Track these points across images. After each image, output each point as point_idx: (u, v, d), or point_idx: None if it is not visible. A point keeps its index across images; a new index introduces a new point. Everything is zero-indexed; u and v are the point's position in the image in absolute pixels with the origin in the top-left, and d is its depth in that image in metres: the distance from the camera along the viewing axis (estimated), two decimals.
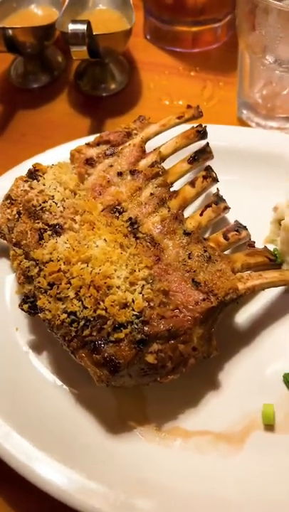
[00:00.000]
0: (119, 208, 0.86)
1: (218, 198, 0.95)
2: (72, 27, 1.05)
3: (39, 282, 0.79)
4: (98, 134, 0.95)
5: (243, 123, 1.25)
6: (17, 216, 0.87)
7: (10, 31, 1.21)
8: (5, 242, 0.95)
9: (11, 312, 0.89)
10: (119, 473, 0.72)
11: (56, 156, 1.03)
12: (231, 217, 0.98)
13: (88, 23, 1.07)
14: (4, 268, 0.94)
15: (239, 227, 0.92)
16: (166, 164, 0.95)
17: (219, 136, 1.03)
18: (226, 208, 0.94)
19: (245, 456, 0.74)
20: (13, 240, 0.86)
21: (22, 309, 0.82)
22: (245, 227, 0.92)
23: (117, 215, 0.86)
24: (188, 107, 1.02)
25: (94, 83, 1.35)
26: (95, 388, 0.78)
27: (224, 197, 0.94)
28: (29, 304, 0.81)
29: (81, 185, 0.91)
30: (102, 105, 1.33)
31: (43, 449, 0.74)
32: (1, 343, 0.86)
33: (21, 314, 0.89)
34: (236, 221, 0.93)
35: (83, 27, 1.05)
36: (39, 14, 1.35)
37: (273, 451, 0.75)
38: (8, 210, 0.89)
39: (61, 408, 0.79)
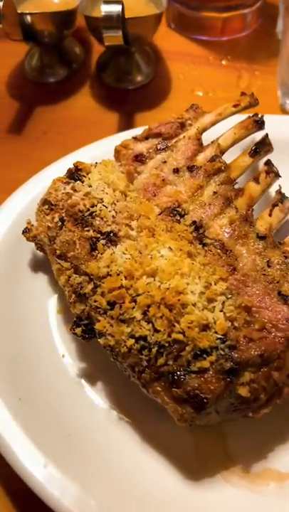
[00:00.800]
0: (179, 210, 0.74)
1: (282, 196, 0.83)
2: (105, 8, 0.92)
3: (96, 301, 0.66)
4: (148, 127, 0.83)
5: (286, 113, 1.14)
6: (60, 224, 0.74)
7: (28, 17, 1.09)
8: (42, 254, 0.82)
9: (55, 335, 0.76)
10: None
11: (94, 153, 0.91)
12: None
13: (122, 4, 0.95)
14: (44, 285, 0.81)
15: None
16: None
17: (274, 126, 0.91)
18: None
19: None
20: (57, 252, 0.73)
21: (74, 333, 0.69)
22: None
23: (178, 218, 0.73)
24: (242, 94, 0.90)
25: (118, 75, 1.23)
26: (165, 424, 0.66)
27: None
28: (83, 328, 0.68)
29: (131, 186, 0.78)
30: (128, 99, 1.20)
31: (106, 504, 0.61)
32: (45, 372, 0.73)
33: (68, 338, 0.76)
34: None
35: (118, 8, 0.93)
36: (55, 2, 1.23)
37: None
38: (48, 217, 0.77)
39: (126, 449, 0.66)
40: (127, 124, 1.15)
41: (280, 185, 0.84)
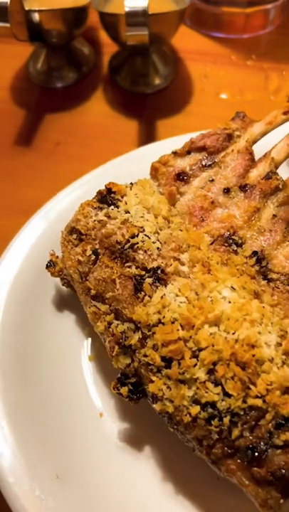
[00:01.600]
0: (235, 238, 0.63)
1: None
2: (130, 3, 0.80)
3: (147, 356, 0.54)
4: (189, 140, 0.71)
5: None
6: (94, 257, 0.63)
7: (36, 15, 0.96)
8: (69, 290, 0.71)
9: (90, 388, 0.64)
10: None
11: (118, 169, 0.79)
12: None
13: None
14: (71, 326, 0.69)
15: None
16: None
17: None
18: None
19: None
20: (92, 292, 0.61)
21: (119, 394, 0.57)
22: None
23: (235, 248, 0.62)
24: None
25: (134, 78, 1.11)
26: (234, 501, 0.54)
27: None
28: (130, 387, 0.56)
29: (172, 210, 0.67)
30: (147, 104, 1.09)
31: None
32: (82, 437, 0.61)
33: (105, 392, 0.64)
34: None
35: (144, 3, 0.81)
36: None
37: None
38: (78, 249, 0.65)
39: None
40: (148, 132, 1.03)
41: None
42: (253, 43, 1.22)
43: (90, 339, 0.69)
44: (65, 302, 0.71)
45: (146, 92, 1.10)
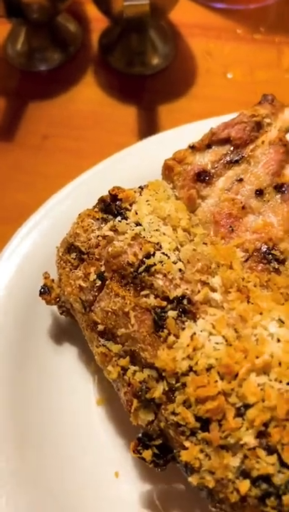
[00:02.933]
0: (275, 253, 0.50)
1: None
2: None
3: (176, 414, 0.42)
4: (209, 130, 0.58)
5: None
6: (99, 283, 0.50)
7: None
8: (68, 319, 0.58)
9: (104, 442, 0.53)
10: None
11: (121, 169, 0.66)
12: None
13: None
14: (73, 362, 0.57)
15: None
16: None
17: None
18: None
19: None
20: (99, 327, 0.49)
21: (141, 458, 0.45)
22: None
23: (276, 266, 0.50)
24: None
25: (129, 58, 0.98)
26: None
27: None
28: (155, 450, 0.45)
29: (193, 218, 0.54)
30: (146, 87, 0.95)
31: None
32: (94, 501, 0.50)
33: (120, 445, 0.53)
34: None
35: None
36: None
37: None
38: (79, 272, 0.52)
39: None
40: (149, 119, 0.91)
41: None
42: (260, 14, 1.08)
43: (96, 377, 0.57)
44: (64, 332, 0.59)
45: (145, 73, 0.97)
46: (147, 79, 0.97)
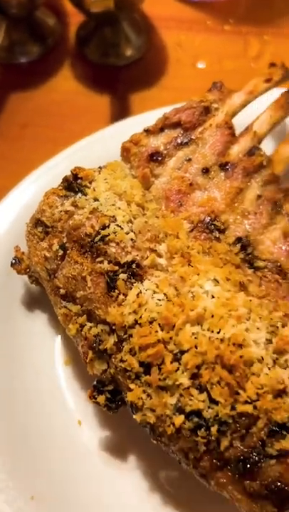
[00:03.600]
0: (217, 223, 0.57)
1: None
2: None
3: (124, 361, 0.49)
4: (162, 115, 0.64)
5: None
6: (61, 252, 0.56)
7: None
8: (39, 287, 0.65)
9: (67, 396, 0.59)
10: None
11: (87, 152, 0.72)
12: None
13: None
14: (44, 327, 0.63)
15: None
16: None
17: None
18: None
19: None
20: (61, 291, 0.55)
21: (96, 403, 0.52)
22: None
23: (217, 235, 0.56)
24: (271, 65, 0.72)
25: (104, 50, 1.03)
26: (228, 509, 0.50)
27: None
28: (107, 395, 0.51)
29: (147, 194, 0.60)
30: (119, 77, 1.01)
31: None
32: (59, 447, 0.56)
33: (83, 398, 0.59)
34: None
35: None
36: None
37: None
38: (44, 244, 0.58)
39: None
40: (122, 108, 0.96)
41: None
42: (230, 7, 1.13)
43: (64, 341, 0.63)
44: (35, 301, 0.65)
45: (118, 64, 1.02)
46: (121, 69, 1.03)
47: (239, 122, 0.65)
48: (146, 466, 0.55)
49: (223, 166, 0.60)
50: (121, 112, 0.95)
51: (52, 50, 1.07)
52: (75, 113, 0.96)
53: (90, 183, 0.59)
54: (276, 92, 0.69)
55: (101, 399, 0.51)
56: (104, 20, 0.99)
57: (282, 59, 0.98)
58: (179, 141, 0.62)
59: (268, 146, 0.67)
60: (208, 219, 0.57)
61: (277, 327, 0.49)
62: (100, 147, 0.71)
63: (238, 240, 0.55)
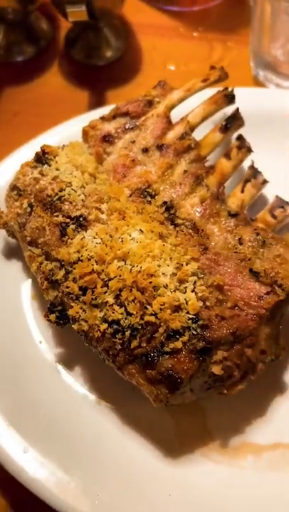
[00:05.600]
0: (149, 190, 0.73)
1: (255, 171, 0.82)
2: None
3: (68, 287, 0.66)
4: (114, 106, 0.81)
5: (259, 84, 1.11)
6: (29, 209, 0.73)
7: None
8: (15, 240, 0.81)
9: (30, 322, 0.76)
10: (191, 506, 0.61)
11: (62, 135, 0.89)
12: (268, 192, 0.87)
13: None
14: (17, 271, 0.80)
15: (283, 202, 0.80)
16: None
17: (245, 99, 0.89)
18: (265, 182, 0.82)
19: None
20: (28, 238, 0.72)
21: (49, 320, 0.69)
22: (288, 202, 0.81)
23: (149, 199, 0.73)
24: (212, 68, 0.88)
25: (87, 51, 1.19)
26: (144, 406, 0.66)
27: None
28: (57, 314, 0.68)
29: (100, 168, 0.77)
30: (99, 75, 1.17)
31: (90, 487, 0.62)
32: (22, 359, 0.73)
33: (44, 324, 0.76)
34: (277, 197, 0.81)
35: None
36: None
37: None
38: (17, 203, 0.75)
39: (106, 432, 0.67)
40: (98, 101, 1.12)
41: (252, 161, 0.84)
42: (201, 16, 1.29)
43: (32, 281, 0.80)
44: (12, 251, 0.82)
45: (99, 64, 1.18)
46: (102, 68, 1.19)
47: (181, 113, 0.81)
48: (88, 371, 0.72)
49: (159, 147, 0.76)
50: (98, 105, 1.12)
51: (44, 50, 1.23)
52: (60, 104, 1.13)
53: (54, 157, 0.76)
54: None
55: (52, 317, 0.68)
56: (87, 26, 1.16)
57: (240, 63, 1.17)
58: (126, 126, 0.78)
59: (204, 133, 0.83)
60: (143, 187, 0.73)
61: (182, 265, 0.65)
62: (69, 131, 0.87)
63: (164, 203, 0.72)
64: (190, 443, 0.66)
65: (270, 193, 0.84)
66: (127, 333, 0.61)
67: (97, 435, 0.67)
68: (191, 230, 0.70)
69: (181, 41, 1.25)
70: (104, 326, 0.62)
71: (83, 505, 0.60)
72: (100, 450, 0.66)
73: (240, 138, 0.83)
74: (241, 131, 0.85)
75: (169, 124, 0.78)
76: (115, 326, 0.62)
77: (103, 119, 0.79)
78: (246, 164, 0.84)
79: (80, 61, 1.20)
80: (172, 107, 0.80)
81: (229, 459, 0.65)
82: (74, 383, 0.71)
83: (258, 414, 0.68)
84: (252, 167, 0.83)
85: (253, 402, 0.68)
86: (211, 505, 0.61)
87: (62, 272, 0.67)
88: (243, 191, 0.78)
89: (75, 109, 1.12)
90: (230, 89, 0.86)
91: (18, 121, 1.10)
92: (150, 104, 0.80)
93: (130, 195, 0.73)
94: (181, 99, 0.81)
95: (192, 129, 0.79)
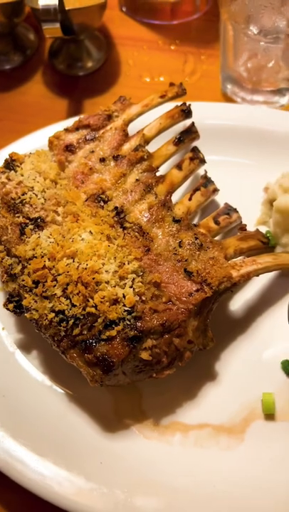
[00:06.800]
0: (103, 196, 0.82)
1: (207, 180, 0.91)
2: (42, 2, 0.98)
3: (23, 280, 0.75)
4: (77, 118, 0.90)
5: (227, 98, 1.19)
6: None
7: None
8: None
9: None
10: (118, 473, 0.70)
11: (34, 143, 0.98)
12: (221, 199, 0.95)
13: None
14: None
15: (230, 210, 0.88)
16: (152, 147, 0.90)
17: (204, 113, 0.98)
18: (215, 190, 0.90)
19: (246, 447, 0.72)
20: None
21: (7, 309, 0.78)
22: (235, 209, 0.89)
23: (102, 204, 0.81)
24: (171, 84, 0.96)
25: (69, 62, 1.28)
26: (89, 387, 0.75)
27: (212, 178, 0.91)
28: (14, 304, 0.77)
29: (62, 174, 0.86)
30: (79, 85, 1.26)
31: (37, 453, 0.71)
32: None
33: (7, 313, 0.85)
34: (226, 204, 0.90)
35: (55, 2, 0.98)
36: None
37: (275, 440, 0.73)
38: None
39: (55, 410, 0.76)
40: (76, 111, 1.21)
41: (205, 170, 0.92)
42: (180, 29, 1.37)
43: None
44: None
45: (79, 74, 1.27)
46: (81, 79, 1.27)
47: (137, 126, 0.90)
48: (42, 353, 0.81)
49: (115, 157, 0.85)
50: (75, 113, 1.20)
51: (30, 60, 1.32)
52: (40, 112, 1.21)
53: (21, 163, 0.85)
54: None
55: (10, 306, 0.77)
56: (69, 39, 1.24)
57: (211, 76, 1.25)
58: (87, 137, 0.87)
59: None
60: (98, 193, 0.82)
61: (124, 264, 0.74)
62: (41, 140, 0.96)
63: (115, 208, 0.81)
64: (126, 420, 0.75)
65: (223, 201, 0.93)
66: (71, 322, 0.70)
67: (47, 410, 0.76)
68: (137, 233, 0.78)
69: (158, 53, 1.33)
70: (52, 315, 0.71)
71: (26, 467, 0.70)
72: (48, 423, 0.75)
73: (194, 150, 0.91)
74: (198, 143, 0.93)
75: (126, 137, 0.87)
76: (61, 316, 0.71)
77: (67, 130, 0.88)
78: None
79: (62, 71, 1.28)
80: (130, 121, 0.89)
81: (159, 435, 0.74)
82: (30, 367, 0.81)
83: (189, 397, 0.77)
84: (204, 176, 0.91)
85: (184, 387, 0.77)
86: (136, 474, 0.70)
87: (19, 267, 0.76)
88: (190, 199, 0.86)
89: (54, 117, 1.21)
90: (188, 103, 0.94)
91: (3, 126, 1.19)
92: (109, 118, 0.88)
93: (86, 200, 0.82)
94: (139, 114, 0.90)
95: (147, 141, 0.88)
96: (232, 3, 1.01)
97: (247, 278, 0.77)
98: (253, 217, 0.94)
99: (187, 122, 0.95)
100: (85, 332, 0.70)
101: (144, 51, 1.33)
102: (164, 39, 1.35)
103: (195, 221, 0.93)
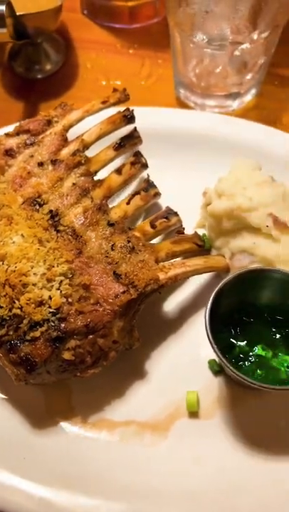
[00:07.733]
0: (39, 200, 0.84)
1: (148, 184, 0.93)
2: None
3: None
4: (18, 124, 0.92)
5: (180, 102, 1.22)
6: None
7: None
8: None
9: None
10: (44, 469, 0.73)
11: None
12: (164, 202, 0.97)
13: (8, 3, 1.02)
14: None
15: (169, 213, 0.91)
16: (93, 152, 0.93)
17: (148, 119, 1.00)
18: (157, 194, 0.93)
19: (169, 444, 0.75)
20: None
21: None
22: (176, 213, 0.91)
23: (38, 207, 0.84)
24: (114, 90, 0.99)
25: (28, 64, 1.29)
26: (23, 387, 0.78)
27: (156, 182, 0.93)
28: None
29: (1, 178, 0.88)
30: (36, 88, 1.28)
31: None
32: None
33: None
34: (167, 207, 0.92)
35: (1, 8, 1.00)
36: None
37: (198, 438, 0.76)
38: None
39: None
40: (31, 114, 1.22)
41: (148, 174, 0.94)
42: (140, 33, 1.38)
43: None
44: None
45: (37, 77, 1.29)
46: (39, 81, 1.29)
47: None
48: None
49: (53, 162, 0.87)
50: (30, 116, 1.22)
51: None
52: None
53: None
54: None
55: None
56: (26, 42, 1.26)
57: (166, 80, 1.27)
58: (27, 142, 0.89)
59: None
60: (34, 196, 0.84)
61: (54, 266, 0.76)
62: None
63: (50, 211, 0.83)
64: (56, 417, 0.78)
65: (166, 204, 0.95)
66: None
67: None
68: (70, 236, 0.81)
69: (116, 57, 1.34)
70: None
71: None
72: None
73: (136, 154, 0.93)
74: (143, 147, 0.96)
75: (65, 142, 0.89)
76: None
77: (8, 135, 0.90)
78: None
79: (21, 74, 1.30)
80: (70, 126, 0.91)
81: (85, 432, 0.76)
82: None
83: (118, 395, 0.79)
84: (146, 180, 0.94)
85: (113, 385, 0.80)
86: (65, 469, 0.73)
87: None
88: (128, 203, 0.88)
89: (9, 120, 1.22)
90: (131, 109, 0.96)
91: None
92: (49, 123, 0.91)
93: (23, 203, 0.84)
94: (79, 120, 0.92)
95: (87, 146, 0.90)
96: (178, 11, 1.03)
97: (174, 280, 0.80)
98: (194, 220, 0.97)
99: (130, 127, 0.97)
100: (11, 333, 0.72)
101: (102, 54, 1.35)
102: (122, 42, 1.37)
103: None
